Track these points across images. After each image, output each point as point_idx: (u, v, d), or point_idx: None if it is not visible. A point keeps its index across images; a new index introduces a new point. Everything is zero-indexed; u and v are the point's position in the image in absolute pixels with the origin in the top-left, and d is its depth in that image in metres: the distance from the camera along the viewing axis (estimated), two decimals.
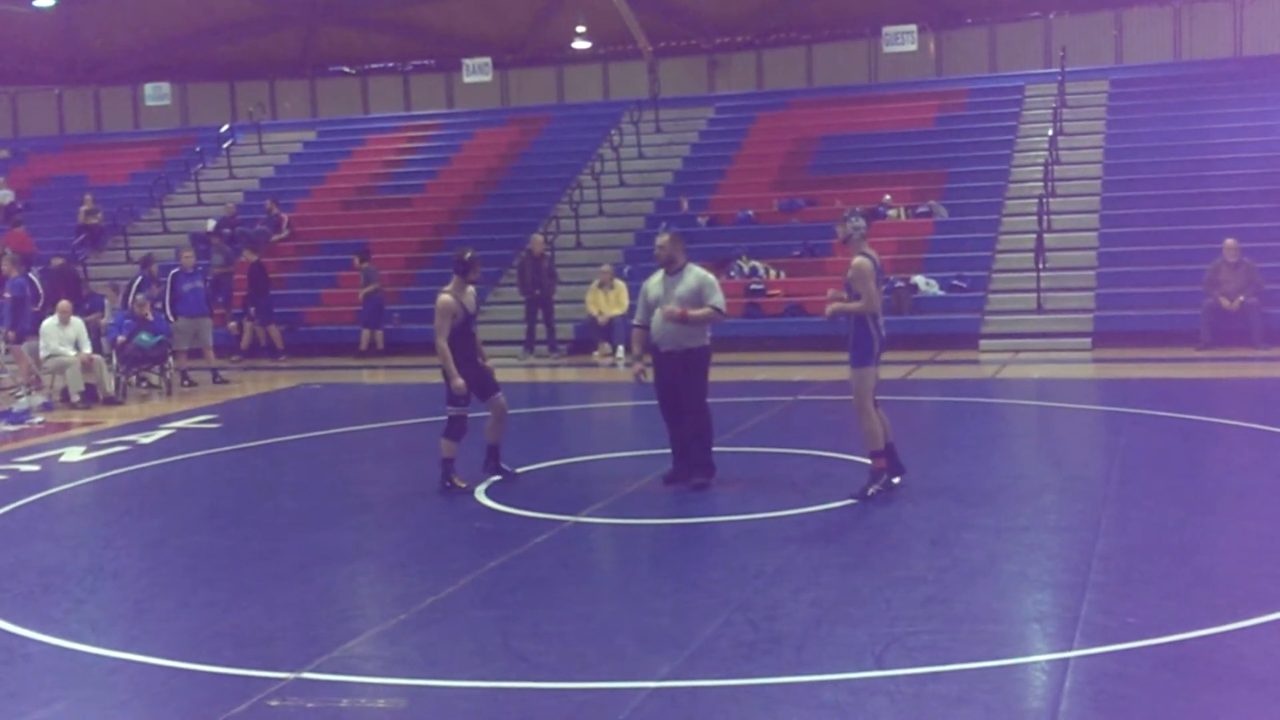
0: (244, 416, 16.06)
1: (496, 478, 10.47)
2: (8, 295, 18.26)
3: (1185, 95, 24.99)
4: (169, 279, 19.03)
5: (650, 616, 6.91)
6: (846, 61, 31.11)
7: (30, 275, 19.04)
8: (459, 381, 10.10)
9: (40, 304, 18.51)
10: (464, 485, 10.22)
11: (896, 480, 9.61)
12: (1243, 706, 5.46)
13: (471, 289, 10.51)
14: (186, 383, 18.46)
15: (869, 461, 9.57)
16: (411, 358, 21.23)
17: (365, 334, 22.07)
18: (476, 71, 31.20)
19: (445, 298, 10.20)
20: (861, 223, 9.51)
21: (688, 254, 10.29)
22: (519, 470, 10.70)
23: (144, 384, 18.61)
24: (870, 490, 9.36)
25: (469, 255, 10.48)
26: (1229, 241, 18.59)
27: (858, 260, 9.37)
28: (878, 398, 9.62)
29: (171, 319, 18.62)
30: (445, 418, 10.27)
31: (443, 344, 10.13)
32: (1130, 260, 20.46)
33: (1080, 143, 24.21)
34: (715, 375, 10.39)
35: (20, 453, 13.24)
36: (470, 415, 10.30)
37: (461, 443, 10.32)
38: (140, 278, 19.41)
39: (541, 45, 34.10)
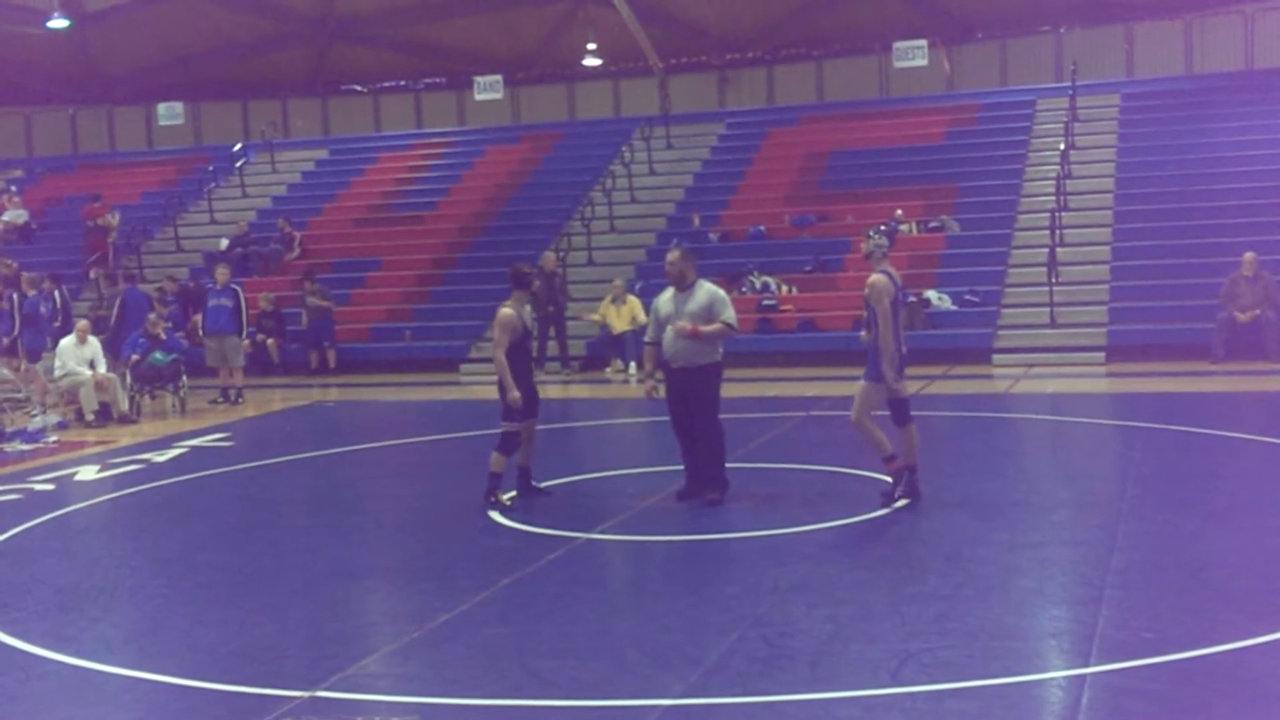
0: (257, 434, 16.08)
1: (513, 492, 10.45)
2: (23, 312, 18.33)
3: (1196, 108, 24.97)
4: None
5: (664, 633, 6.89)
6: (857, 77, 31.12)
7: (55, 293, 19.15)
8: (515, 394, 10.06)
9: (61, 321, 18.59)
10: (508, 502, 10.20)
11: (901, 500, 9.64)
12: None
13: (528, 306, 10.53)
14: (225, 401, 18.58)
15: (889, 478, 9.64)
16: (426, 375, 21.30)
17: (313, 354, 22.26)
18: (488, 89, 31.29)
19: (507, 311, 10.21)
20: (884, 241, 9.61)
21: (699, 270, 10.31)
22: (509, 497, 10.64)
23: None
24: (897, 494, 9.46)
25: (527, 268, 10.55)
26: (1247, 255, 18.53)
27: (873, 278, 9.43)
28: (883, 413, 9.69)
29: (201, 334, 18.81)
30: (499, 432, 10.26)
31: (501, 357, 10.12)
32: (1143, 274, 20.42)
33: (1092, 156, 24.18)
34: (727, 391, 10.39)
35: (35, 471, 13.28)
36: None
37: (512, 458, 10.32)
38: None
39: (552, 62, 34.18)
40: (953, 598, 7.27)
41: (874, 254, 9.57)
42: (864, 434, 9.52)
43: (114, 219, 27.16)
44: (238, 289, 19.23)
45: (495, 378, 10.36)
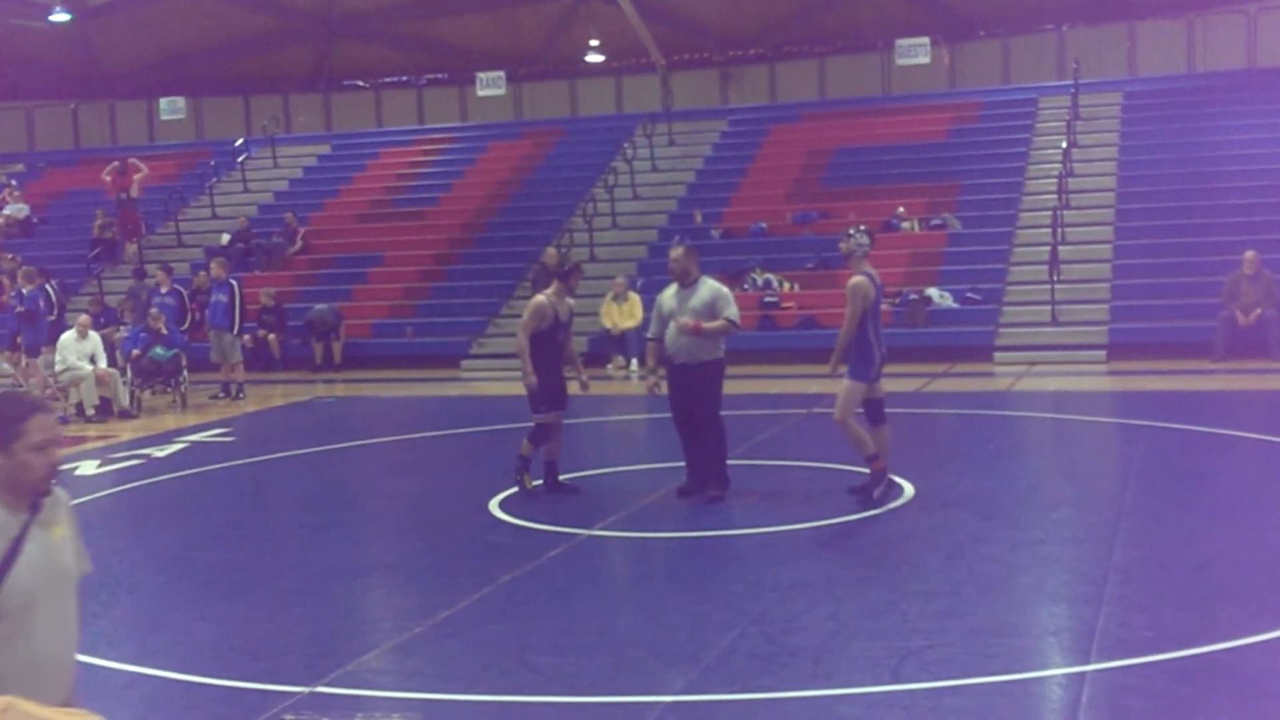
0: (258, 430, 16.08)
1: (514, 489, 10.44)
2: (20, 309, 18.33)
3: (1198, 107, 24.94)
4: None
5: (665, 630, 6.89)
6: (859, 74, 31.08)
7: (47, 287, 19.12)
8: (531, 379, 10.13)
9: (56, 315, 18.59)
10: (533, 486, 10.23)
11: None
12: None
13: (570, 300, 10.53)
14: (226, 396, 18.62)
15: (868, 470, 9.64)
16: (428, 371, 21.28)
17: (319, 347, 22.29)
18: (490, 85, 31.26)
19: (539, 298, 10.33)
20: (866, 240, 9.57)
21: (701, 267, 10.31)
22: (535, 484, 10.64)
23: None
24: (875, 493, 9.43)
25: (570, 264, 10.59)
26: (1248, 254, 18.52)
27: (854, 279, 9.44)
28: (888, 410, 9.71)
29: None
30: (532, 424, 10.34)
31: (523, 340, 10.16)
32: (1144, 272, 20.40)
33: (1094, 154, 24.16)
34: (729, 388, 10.39)
35: None
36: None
37: (542, 448, 10.33)
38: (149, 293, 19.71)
39: (555, 58, 34.16)
40: (954, 595, 7.27)
41: (855, 254, 9.56)
42: (847, 432, 9.55)
43: (142, 169, 27.17)
44: (232, 284, 19.22)
45: (499, 373, 10.41)
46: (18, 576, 3.50)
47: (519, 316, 23.82)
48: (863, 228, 9.78)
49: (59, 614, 3.65)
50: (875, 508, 9.36)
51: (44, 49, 33.78)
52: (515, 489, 10.40)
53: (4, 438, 3.53)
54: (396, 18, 34.02)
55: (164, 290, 19.79)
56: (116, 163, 26.91)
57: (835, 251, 21.33)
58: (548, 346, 10.27)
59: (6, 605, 3.48)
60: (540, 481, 10.46)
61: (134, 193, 26.60)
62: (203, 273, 21.56)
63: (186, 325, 19.48)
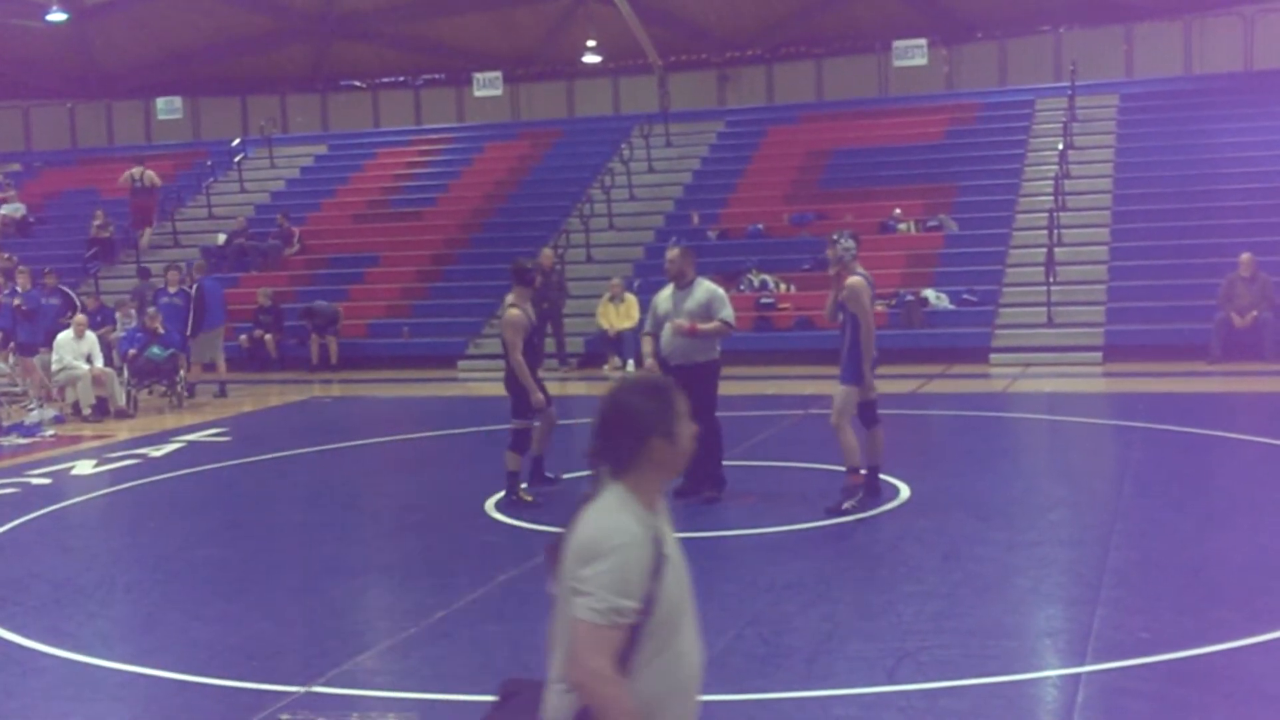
0: (254, 430, 16.07)
1: (502, 493, 10.44)
2: (20, 304, 18.30)
3: (1195, 109, 24.96)
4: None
5: None
6: (857, 75, 31.08)
7: (64, 288, 19.17)
8: (539, 395, 10.09)
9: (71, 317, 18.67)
10: (530, 499, 10.18)
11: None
12: None
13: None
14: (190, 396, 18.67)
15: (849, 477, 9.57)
16: (424, 371, 21.28)
17: (315, 340, 22.24)
18: (487, 85, 31.25)
19: (514, 312, 10.20)
20: (851, 244, 9.61)
21: (698, 268, 10.32)
22: (548, 476, 10.64)
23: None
24: (845, 505, 9.35)
25: (530, 264, 10.55)
26: (1244, 256, 18.53)
27: (852, 280, 9.43)
28: (881, 412, 9.70)
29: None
30: (510, 429, 10.23)
31: (519, 358, 10.09)
32: (1141, 274, 20.42)
33: (1090, 156, 24.18)
34: (725, 389, 10.40)
35: (32, 466, 13.27)
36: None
37: (526, 455, 10.31)
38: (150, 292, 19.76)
39: (552, 59, 34.15)
40: (949, 596, 7.27)
41: (843, 258, 9.56)
42: (842, 438, 9.50)
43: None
44: (196, 285, 19.43)
45: (495, 374, 10.39)
46: (667, 584, 3.15)
47: None
48: (846, 232, 9.81)
49: (693, 621, 3.28)
50: (840, 516, 9.27)
51: (41, 48, 33.76)
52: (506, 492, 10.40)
53: (669, 424, 3.11)
54: (394, 18, 34.00)
55: (172, 290, 19.76)
56: (136, 170, 27.10)
57: None
58: (527, 352, 10.27)
59: (659, 616, 3.12)
60: (543, 478, 10.49)
61: (149, 182, 26.83)
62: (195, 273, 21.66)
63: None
